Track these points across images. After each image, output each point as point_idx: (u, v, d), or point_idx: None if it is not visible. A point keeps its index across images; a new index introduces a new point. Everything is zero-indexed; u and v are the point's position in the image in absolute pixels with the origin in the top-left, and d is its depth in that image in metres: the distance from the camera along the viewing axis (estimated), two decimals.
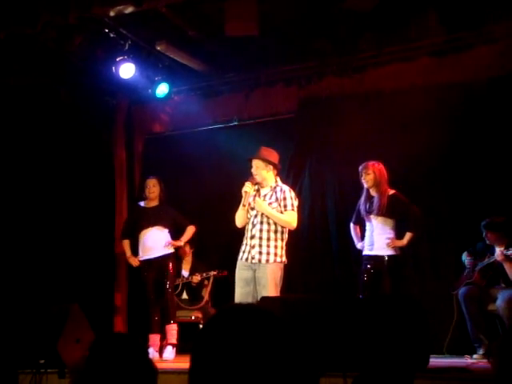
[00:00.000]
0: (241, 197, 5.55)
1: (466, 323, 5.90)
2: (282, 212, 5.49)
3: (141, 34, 7.02)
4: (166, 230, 7.02)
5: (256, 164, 5.58)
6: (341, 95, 7.40)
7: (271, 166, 5.59)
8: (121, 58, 7.10)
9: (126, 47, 7.03)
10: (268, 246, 5.44)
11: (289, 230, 5.62)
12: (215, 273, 7.24)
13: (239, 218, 5.65)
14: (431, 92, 6.74)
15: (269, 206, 5.50)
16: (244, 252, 5.54)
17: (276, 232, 5.50)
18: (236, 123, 7.99)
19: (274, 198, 5.53)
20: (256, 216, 5.53)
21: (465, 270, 6.16)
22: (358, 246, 6.33)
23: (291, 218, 5.52)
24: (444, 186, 6.70)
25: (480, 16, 6.36)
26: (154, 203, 7.10)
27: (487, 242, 5.99)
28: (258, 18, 5.94)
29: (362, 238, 6.30)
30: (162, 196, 7.10)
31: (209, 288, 7.49)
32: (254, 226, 5.53)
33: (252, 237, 5.50)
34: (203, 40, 7.17)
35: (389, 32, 6.83)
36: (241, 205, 5.55)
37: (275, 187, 5.59)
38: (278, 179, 5.68)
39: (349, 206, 6.81)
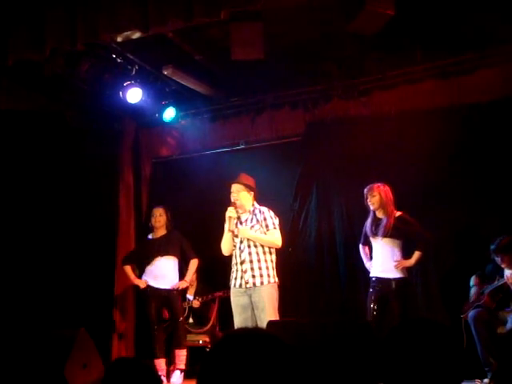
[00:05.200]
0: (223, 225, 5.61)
1: (476, 347, 5.83)
2: (264, 233, 5.55)
3: (148, 58, 7.06)
4: (176, 261, 7.04)
5: (237, 188, 5.67)
6: (347, 118, 7.41)
7: (252, 192, 5.70)
8: (128, 82, 7.16)
9: (133, 72, 7.08)
10: (260, 269, 5.48)
11: (283, 251, 5.71)
12: (221, 293, 7.15)
13: (225, 245, 5.70)
14: (436, 114, 6.75)
15: (251, 229, 5.57)
16: (236, 278, 5.56)
17: (265, 253, 5.55)
18: (243, 146, 8.00)
19: (254, 220, 5.62)
20: (242, 242, 5.59)
21: (470, 295, 6.11)
22: (367, 265, 6.29)
23: (275, 237, 5.59)
24: (450, 207, 6.66)
25: (484, 39, 6.38)
26: (162, 232, 7.12)
27: (502, 265, 5.93)
28: (264, 41, 5.97)
29: (371, 257, 6.26)
30: (169, 225, 7.13)
31: (215, 310, 7.44)
32: (241, 251, 5.56)
33: (242, 262, 5.53)
34: (210, 64, 7.21)
35: (394, 55, 6.85)
36: (226, 231, 5.62)
37: (253, 210, 5.68)
38: (255, 203, 5.74)
39: (356, 229, 6.79)
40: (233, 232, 5.57)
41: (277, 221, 5.66)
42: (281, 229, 5.69)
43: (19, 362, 4.81)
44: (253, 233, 5.55)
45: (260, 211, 5.65)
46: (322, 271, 7.26)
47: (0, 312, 6.87)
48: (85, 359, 5.03)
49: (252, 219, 5.63)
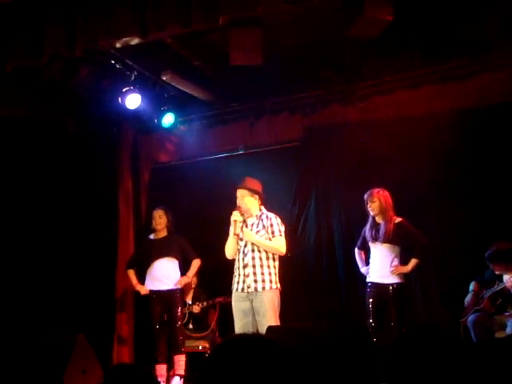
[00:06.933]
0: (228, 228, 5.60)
1: None
2: (270, 239, 5.54)
3: (146, 64, 7.07)
4: (176, 262, 7.01)
5: (241, 193, 5.66)
6: (345, 123, 7.42)
7: (257, 196, 5.66)
8: (127, 88, 7.16)
9: (132, 78, 7.09)
10: (262, 274, 5.47)
11: (283, 256, 5.68)
12: (221, 299, 7.15)
13: (229, 249, 5.68)
14: (435, 119, 6.75)
15: (256, 234, 5.55)
16: (238, 283, 5.56)
17: (268, 259, 5.54)
18: (242, 152, 8.00)
19: (260, 225, 5.60)
20: (246, 245, 5.58)
21: (466, 299, 6.11)
22: (363, 269, 6.31)
23: (280, 244, 5.58)
24: (450, 213, 6.67)
25: (483, 44, 6.39)
26: (163, 234, 7.11)
27: (496, 272, 5.95)
28: (263, 47, 5.98)
29: (367, 262, 6.27)
30: (169, 226, 7.12)
31: (215, 316, 7.43)
32: (245, 255, 5.56)
33: (245, 266, 5.53)
34: (208, 69, 7.22)
35: (393, 60, 6.86)
36: (231, 234, 5.61)
37: (260, 215, 5.67)
38: (263, 207, 5.73)
39: (355, 233, 6.79)
40: (238, 235, 5.56)
41: (283, 228, 5.65)
42: (286, 236, 5.68)
43: (18, 368, 4.80)
44: (257, 237, 5.54)
45: (267, 217, 5.64)
46: (321, 275, 7.27)
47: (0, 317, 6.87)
48: (84, 365, 5.02)
49: (258, 224, 5.61)
